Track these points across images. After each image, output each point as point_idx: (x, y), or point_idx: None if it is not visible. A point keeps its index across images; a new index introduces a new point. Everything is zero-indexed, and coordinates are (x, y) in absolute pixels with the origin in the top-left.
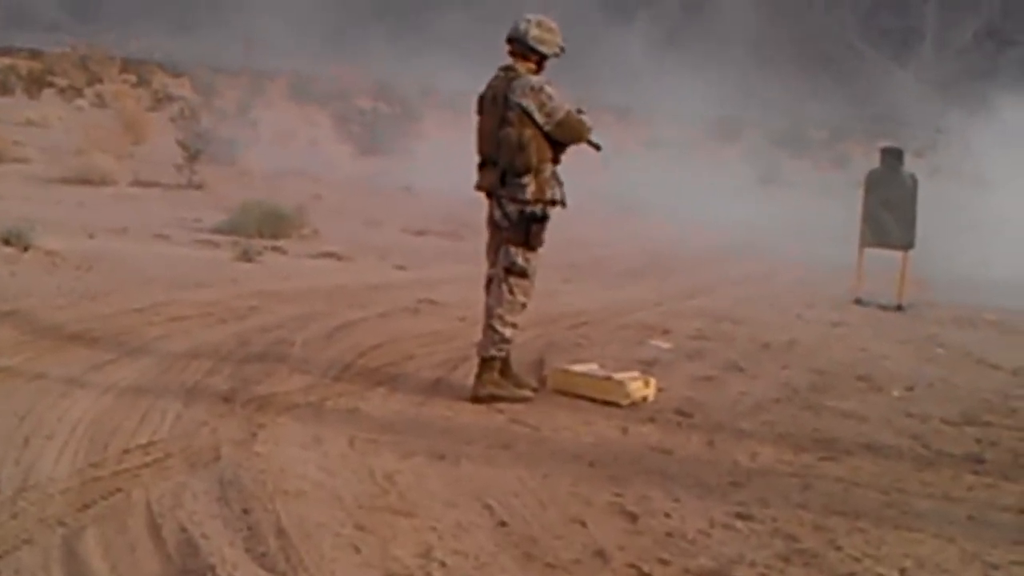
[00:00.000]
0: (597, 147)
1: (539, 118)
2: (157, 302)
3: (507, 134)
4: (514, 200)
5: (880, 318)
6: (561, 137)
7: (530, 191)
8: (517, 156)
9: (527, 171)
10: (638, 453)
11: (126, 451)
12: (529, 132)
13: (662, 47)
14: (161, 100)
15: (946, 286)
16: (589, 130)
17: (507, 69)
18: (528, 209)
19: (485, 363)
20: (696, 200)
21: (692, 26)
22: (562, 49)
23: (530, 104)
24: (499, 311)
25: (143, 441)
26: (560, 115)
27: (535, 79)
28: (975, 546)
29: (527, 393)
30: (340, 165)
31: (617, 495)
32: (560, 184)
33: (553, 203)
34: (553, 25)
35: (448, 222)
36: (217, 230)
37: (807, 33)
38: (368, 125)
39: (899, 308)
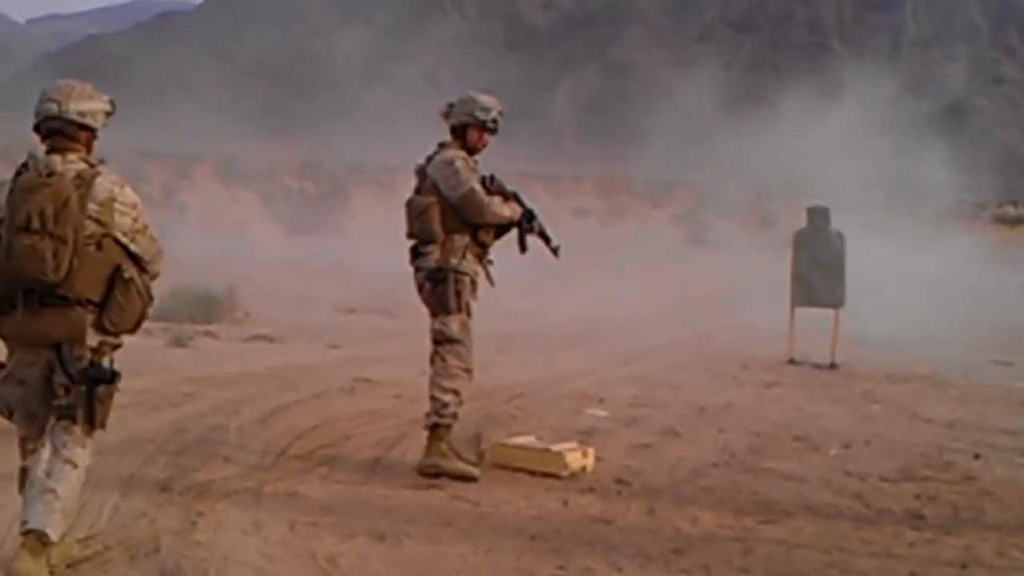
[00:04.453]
0: (555, 252)
1: (444, 189)
2: None
3: (412, 200)
4: (420, 269)
5: (814, 377)
6: (463, 212)
7: (433, 258)
8: (418, 223)
9: (431, 240)
10: (579, 524)
11: None
12: (430, 200)
13: (585, 113)
14: None
15: (876, 342)
16: (494, 214)
17: (441, 145)
18: (430, 268)
19: (433, 432)
20: (626, 265)
21: (614, 91)
22: (490, 121)
23: (437, 176)
24: (437, 380)
25: (81, 535)
26: (462, 190)
27: (450, 153)
28: None
29: (473, 470)
30: (269, 245)
31: (560, 568)
32: (477, 259)
33: (459, 272)
34: (475, 97)
35: (379, 299)
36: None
37: (730, 87)
38: (296, 204)
39: (833, 366)
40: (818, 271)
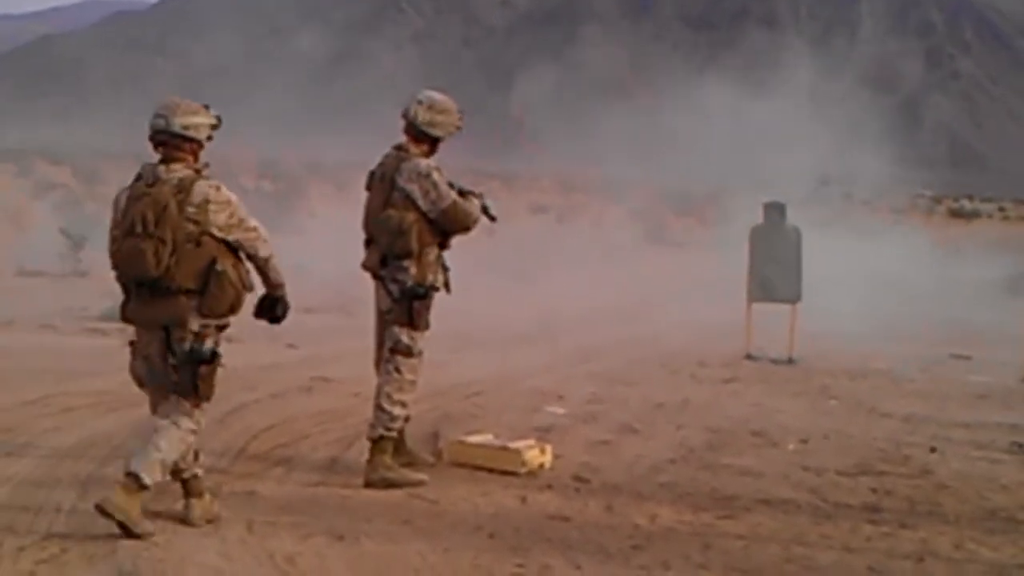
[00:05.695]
0: (492, 218)
1: (423, 204)
2: (47, 394)
3: (388, 217)
4: (396, 281)
5: (772, 372)
6: (445, 225)
7: (412, 273)
8: (397, 240)
9: (407, 256)
10: (538, 522)
11: (21, 548)
12: (411, 217)
13: (541, 110)
14: (45, 189)
15: (833, 338)
16: (475, 220)
17: (399, 148)
18: (410, 283)
19: (376, 445)
20: (583, 263)
21: (571, 89)
22: (458, 128)
23: (415, 190)
24: (387, 389)
25: (39, 536)
26: (445, 204)
27: (423, 164)
28: None
29: (421, 476)
30: None
31: (519, 566)
32: (445, 269)
33: (435, 288)
34: (447, 105)
35: (337, 298)
36: (104, 317)
37: (686, 84)
38: (253, 203)
39: (790, 361)
40: (775, 266)
